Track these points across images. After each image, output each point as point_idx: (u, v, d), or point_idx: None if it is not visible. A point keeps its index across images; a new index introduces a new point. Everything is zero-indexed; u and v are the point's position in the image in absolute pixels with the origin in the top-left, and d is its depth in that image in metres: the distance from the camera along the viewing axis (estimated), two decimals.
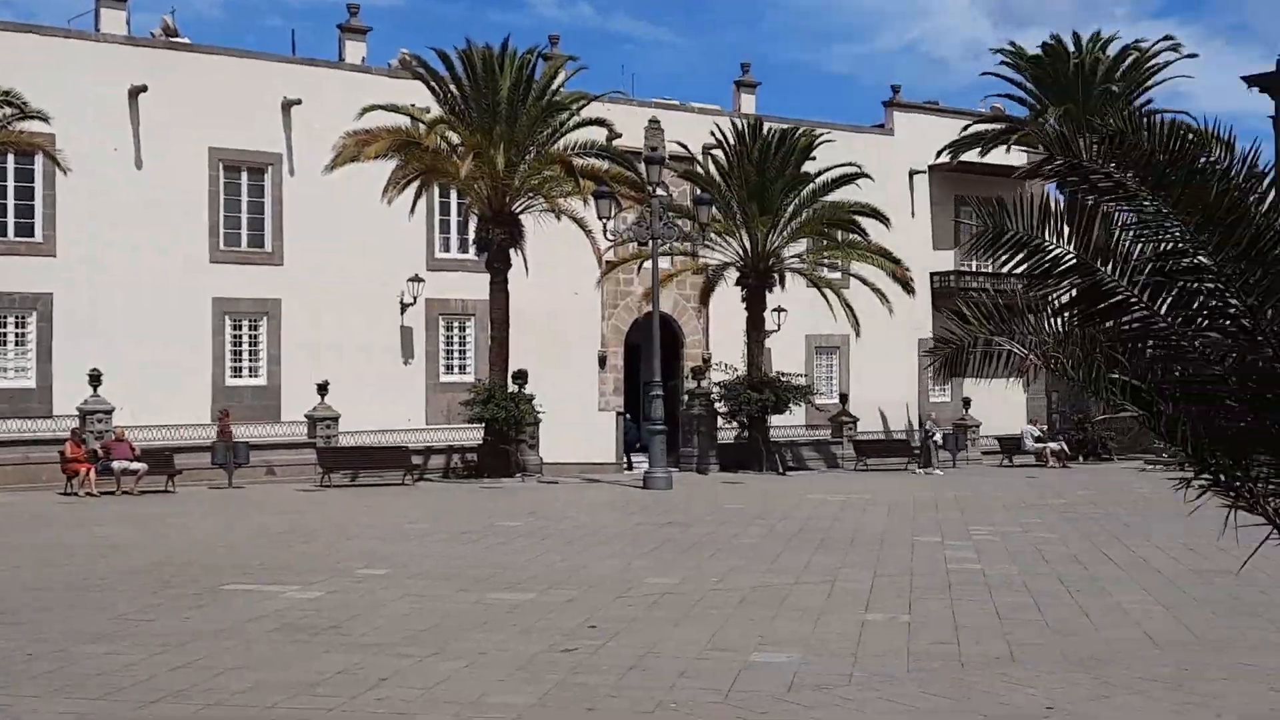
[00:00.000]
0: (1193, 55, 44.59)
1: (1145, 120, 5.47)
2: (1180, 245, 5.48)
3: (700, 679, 11.04)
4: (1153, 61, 43.77)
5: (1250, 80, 49.03)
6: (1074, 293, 5.99)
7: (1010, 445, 42.98)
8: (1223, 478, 6.28)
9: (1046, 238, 5.90)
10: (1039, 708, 10.27)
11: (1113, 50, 43.65)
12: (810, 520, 24.54)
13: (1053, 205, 5.83)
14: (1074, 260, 5.83)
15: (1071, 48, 43.47)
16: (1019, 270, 6.02)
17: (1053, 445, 42.52)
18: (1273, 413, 5.78)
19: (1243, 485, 6.26)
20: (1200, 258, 5.38)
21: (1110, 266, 5.79)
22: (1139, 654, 12.59)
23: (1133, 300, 5.84)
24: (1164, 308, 5.77)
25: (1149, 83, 44.01)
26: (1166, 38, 44.14)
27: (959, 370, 6.92)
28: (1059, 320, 6.28)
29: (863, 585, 16.54)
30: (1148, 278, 5.73)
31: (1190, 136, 5.46)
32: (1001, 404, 44.04)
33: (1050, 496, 30.46)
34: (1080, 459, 43.37)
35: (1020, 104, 45.73)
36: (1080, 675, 11.50)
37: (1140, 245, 5.73)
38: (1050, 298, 6.17)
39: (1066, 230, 5.80)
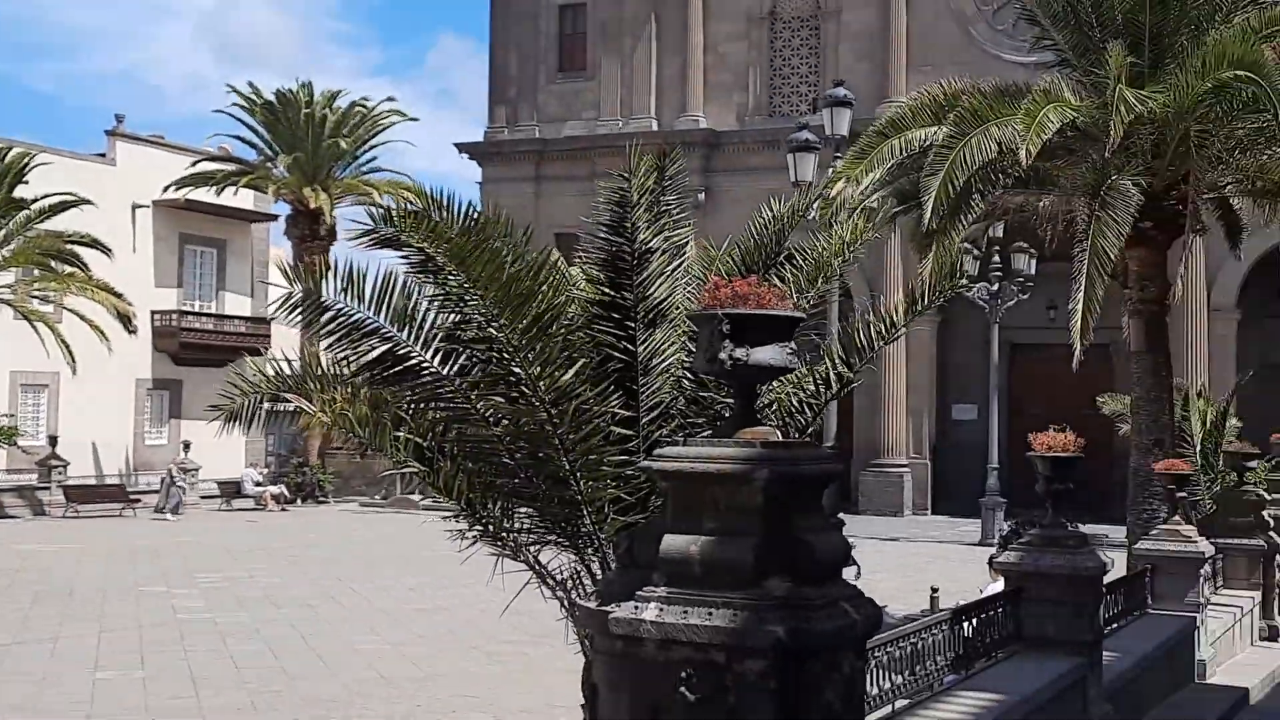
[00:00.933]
0: (414, 119, 47.51)
1: (449, 201, 5.87)
2: (476, 318, 5.93)
3: None
4: (378, 121, 45.97)
5: (461, 147, 53.03)
6: (372, 355, 6.25)
7: (230, 489, 42.61)
8: (491, 528, 6.83)
9: (349, 302, 6.11)
10: None
11: (342, 105, 45.27)
12: (21, 572, 22.72)
13: (354, 272, 6.04)
14: (374, 325, 6.09)
15: (304, 98, 44.45)
16: (323, 331, 6.17)
17: (273, 489, 42.78)
18: (540, 470, 6.38)
19: (509, 535, 6.85)
20: (491, 329, 5.85)
21: (408, 332, 6.12)
22: (375, 693, 13.12)
23: (424, 365, 6.21)
24: (453, 373, 6.19)
25: (375, 140, 46.17)
26: (389, 99, 46.55)
27: (246, 422, 6.91)
28: (350, 379, 6.50)
29: (89, 641, 15.66)
30: (440, 344, 6.13)
31: (483, 220, 5.94)
32: (221, 447, 43.60)
33: (273, 540, 30.66)
34: (299, 501, 44.04)
35: (251, 147, 45.88)
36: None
37: (440, 315, 6.11)
38: (348, 359, 6.38)
39: (369, 294, 6.05)
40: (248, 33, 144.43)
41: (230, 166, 45.24)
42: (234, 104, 45.15)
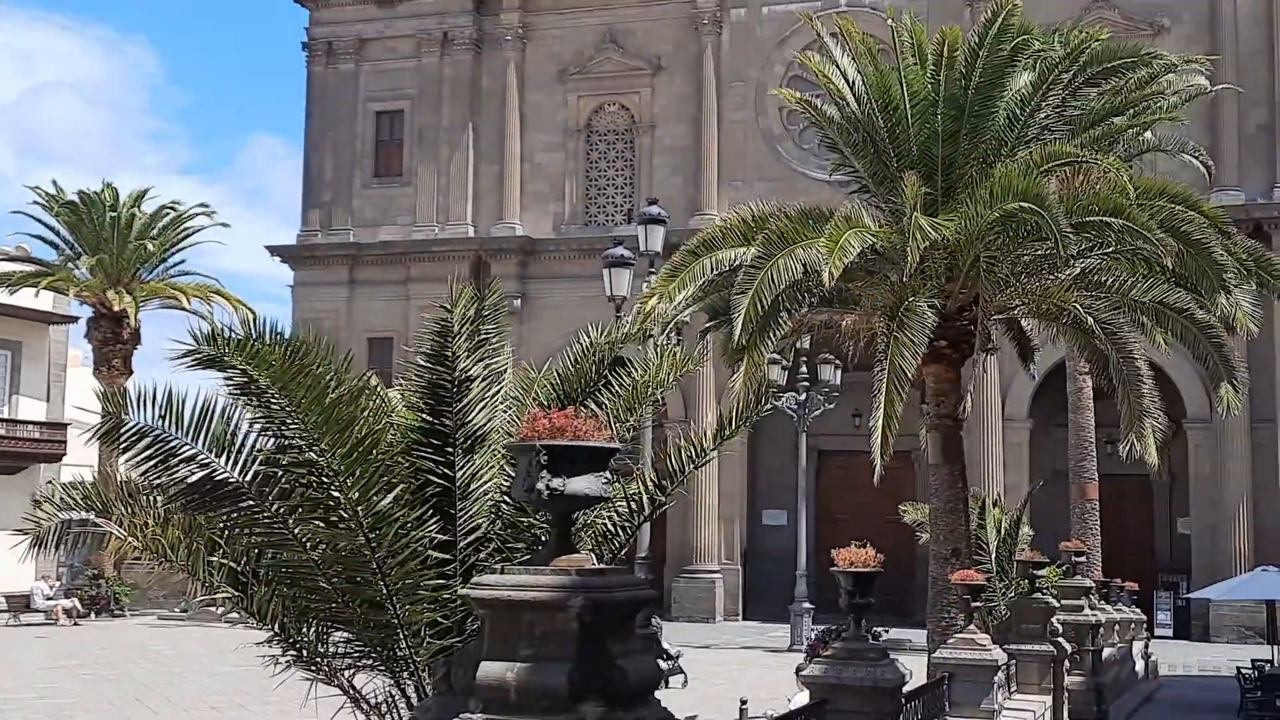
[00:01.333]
0: (225, 224, 46.85)
1: (266, 325, 5.93)
2: (296, 442, 5.98)
3: None
4: (188, 224, 45.09)
5: (274, 251, 52.32)
6: (189, 480, 6.22)
7: (19, 603, 40.51)
8: (306, 653, 6.81)
9: (168, 428, 6.09)
10: None
11: (150, 207, 44.33)
12: None
13: (174, 399, 6.04)
14: (192, 451, 6.08)
15: (109, 199, 43.38)
16: (140, 457, 6.12)
17: (65, 602, 40.86)
18: (357, 594, 6.42)
19: (324, 660, 6.83)
20: (312, 454, 5.91)
21: (226, 459, 6.12)
22: None
23: (243, 490, 6.21)
24: (272, 497, 6.20)
25: (184, 243, 45.21)
26: (202, 204, 45.75)
27: (48, 547, 6.79)
28: (167, 504, 6.45)
29: None
30: (260, 468, 6.15)
31: (305, 346, 6.02)
32: (9, 556, 41.55)
33: (66, 657, 29.29)
34: (94, 615, 42.15)
35: (53, 247, 44.44)
36: None
37: (260, 438, 6.13)
38: (164, 484, 6.33)
39: (188, 421, 6.04)
40: (53, 127, 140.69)
41: (29, 267, 43.72)
42: (34, 202, 43.83)
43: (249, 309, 42.11)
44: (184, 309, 42.35)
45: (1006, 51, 15.39)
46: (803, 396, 33.33)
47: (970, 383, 16.88)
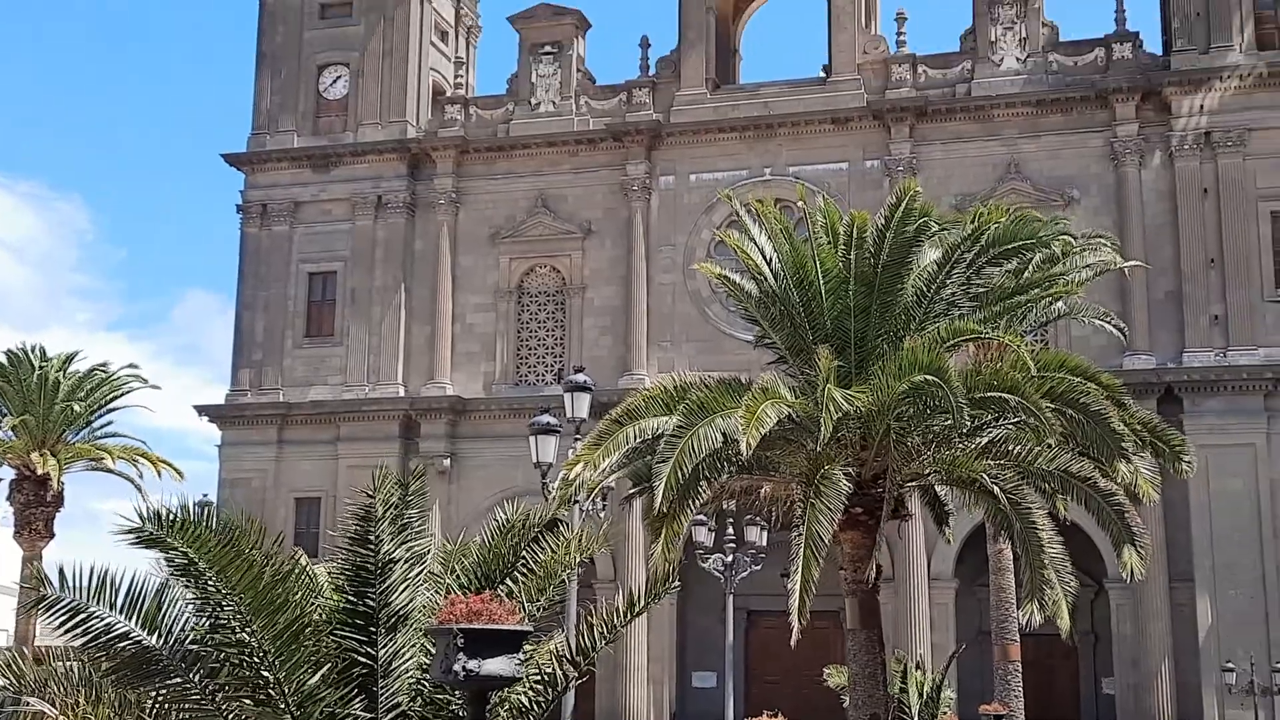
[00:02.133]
0: (156, 387, 46.59)
1: (204, 512, 6.29)
2: (231, 623, 6.29)
3: None
4: (117, 385, 44.80)
5: (202, 410, 52.09)
6: (122, 657, 6.48)
7: None
8: None
9: (101, 607, 6.38)
10: None
11: (80, 368, 44.07)
12: None
13: (109, 579, 6.34)
14: (125, 629, 6.36)
15: (37, 360, 43.15)
16: (75, 633, 6.39)
17: None
18: None
19: None
20: (244, 634, 6.22)
21: (158, 638, 6.40)
22: None
23: (172, 668, 6.48)
24: (202, 675, 6.48)
25: (113, 404, 44.88)
26: (132, 365, 45.66)
27: None
28: (98, 680, 6.69)
29: None
30: (192, 646, 6.43)
31: (239, 531, 6.38)
32: None
33: None
34: None
35: None
36: None
37: (196, 617, 6.43)
38: (96, 659, 6.58)
39: (120, 601, 6.34)
40: None
41: None
42: None
43: (175, 470, 41.78)
44: (109, 470, 42.01)
45: (911, 232, 16.25)
46: (729, 558, 33.57)
47: (880, 549, 17.35)
